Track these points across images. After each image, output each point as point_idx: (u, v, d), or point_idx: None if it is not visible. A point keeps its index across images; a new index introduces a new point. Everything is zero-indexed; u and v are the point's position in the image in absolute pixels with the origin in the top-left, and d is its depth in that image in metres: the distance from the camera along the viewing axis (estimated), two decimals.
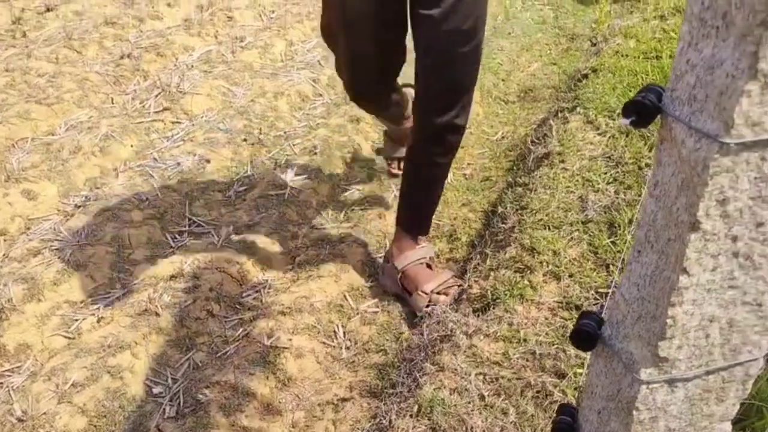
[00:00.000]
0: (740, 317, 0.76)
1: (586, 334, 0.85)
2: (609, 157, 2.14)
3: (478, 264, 1.99)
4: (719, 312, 0.75)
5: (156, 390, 1.75)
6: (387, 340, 1.89)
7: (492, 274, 1.85)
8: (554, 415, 1.02)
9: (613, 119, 2.31)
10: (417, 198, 1.99)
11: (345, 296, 2.05)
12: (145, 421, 1.67)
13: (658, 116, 0.72)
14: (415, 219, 2.02)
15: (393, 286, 2.03)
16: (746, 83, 0.58)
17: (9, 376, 1.77)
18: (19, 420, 1.65)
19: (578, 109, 2.52)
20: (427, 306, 1.91)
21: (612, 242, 1.82)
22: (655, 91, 0.70)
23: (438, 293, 1.95)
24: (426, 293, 1.94)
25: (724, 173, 0.64)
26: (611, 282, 1.65)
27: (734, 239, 0.69)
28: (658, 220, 0.73)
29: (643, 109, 0.69)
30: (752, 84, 0.58)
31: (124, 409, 1.69)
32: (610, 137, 2.24)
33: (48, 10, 3.63)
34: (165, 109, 2.89)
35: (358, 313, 1.99)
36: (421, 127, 1.82)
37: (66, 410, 1.66)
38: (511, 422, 1.34)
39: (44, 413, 1.65)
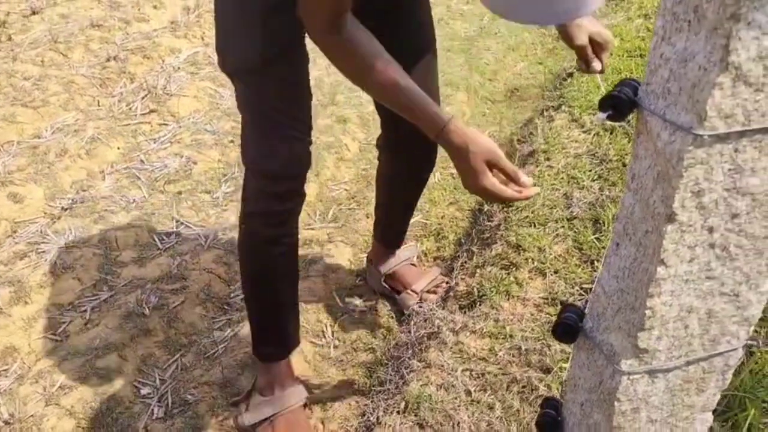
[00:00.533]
0: (718, 308, 0.77)
1: (568, 327, 0.86)
2: (593, 155, 2.16)
3: (465, 262, 2.00)
4: (697, 303, 0.76)
5: (144, 391, 1.75)
6: (375, 338, 1.90)
7: (478, 271, 1.86)
8: (540, 409, 1.03)
9: None
10: (401, 220, 1.98)
11: (333, 295, 2.05)
12: (134, 423, 1.67)
13: (635, 111, 0.73)
14: (396, 237, 2.02)
15: (379, 288, 2.03)
16: (718, 76, 0.59)
17: None
18: (6, 423, 1.64)
19: (563, 107, 2.54)
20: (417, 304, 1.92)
21: (597, 238, 1.83)
22: (631, 85, 0.71)
23: (427, 291, 1.96)
24: (416, 292, 1.95)
25: (699, 165, 0.65)
26: (596, 278, 1.67)
27: (710, 230, 0.70)
28: (635, 212, 0.74)
29: (619, 103, 0.70)
30: (724, 76, 0.59)
31: (113, 410, 1.69)
32: (594, 135, 2.26)
33: (33, 13, 3.61)
34: (151, 111, 2.89)
35: (346, 313, 1.99)
36: (407, 155, 1.76)
37: (54, 412, 1.66)
38: (497, 417, 1.34)
39: (32, 415, 1.65)
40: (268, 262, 1.55)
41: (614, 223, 0.79)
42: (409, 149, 1.73)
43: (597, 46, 1.43)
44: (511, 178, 1.19)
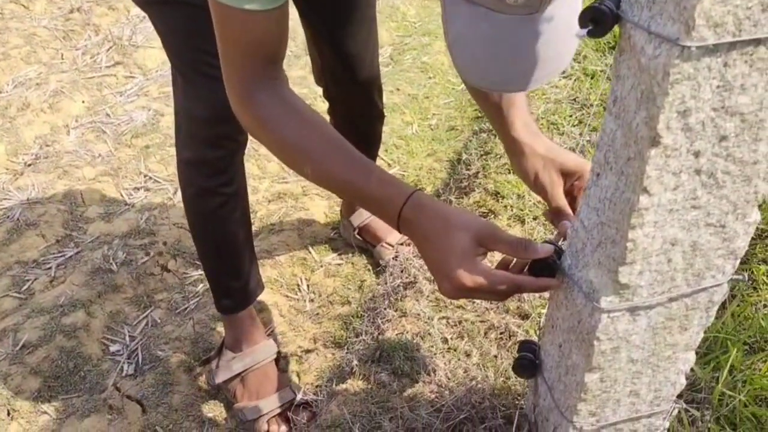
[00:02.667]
0: (703, 240, 0.73)
1: (545, 263, 0.82)
2: (574, 100, 2.10)
3: None
4: (681, 234, 0.72)
5: (113, 348, 1.70)
6: (351, 291, 1.85)
7: None
8: (517, 352, 0.99)
9: (579, 62, 2.27)
10: None
11: (308, 249, 2.00)
12: (103, 380, 1.62)
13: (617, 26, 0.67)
14: None
15: (353, 241, 1.98)
16: None
17: None
18: None
19: None
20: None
21: None
22: None
23: (402, 244, 1.91)
24: (391, 245, 1.90)
25: (685, 81, 0.59)
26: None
27: (696, 155, 0.65)
28: (617, 138, 0.69)
29: (600, 17, 0.64)
30: None
31: (80, 368, 1.64)
32: (575, 80, 2.20)
33: None
34: (117, 63, 2.78)
35: (321, 266, 1.94)
36: (347, 107, 1.71)
37: (18, 371, 1.60)
38: (474, 363, 1.31)
39: None
40: (207, 214, 1.43)
41: (594, 153, 0.74)
42: (347, 102, 1.66)
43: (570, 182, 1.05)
44: (518, 256, 0.86)
